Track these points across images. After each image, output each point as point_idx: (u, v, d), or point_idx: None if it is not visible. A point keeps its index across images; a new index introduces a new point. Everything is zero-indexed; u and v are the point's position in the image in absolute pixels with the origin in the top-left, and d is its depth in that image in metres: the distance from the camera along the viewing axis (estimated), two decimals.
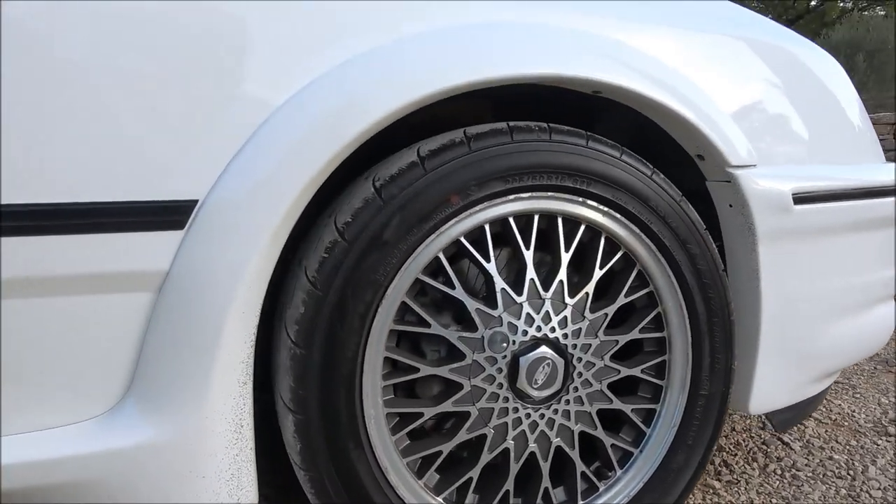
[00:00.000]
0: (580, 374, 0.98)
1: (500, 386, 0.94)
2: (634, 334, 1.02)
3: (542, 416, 0.97)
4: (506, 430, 0.96)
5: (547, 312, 0.95)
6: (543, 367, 0.94)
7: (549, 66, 0.85)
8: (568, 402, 0.99)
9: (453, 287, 0.91)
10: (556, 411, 0.98)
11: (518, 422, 0.96)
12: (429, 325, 0.90)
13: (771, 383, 1.11)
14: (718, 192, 1.05)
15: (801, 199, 1.04)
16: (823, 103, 1.16)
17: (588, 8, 0.94)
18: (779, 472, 1.39)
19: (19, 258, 0.71)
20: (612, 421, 1.05)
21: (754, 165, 1.02)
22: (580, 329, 0.97)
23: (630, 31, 0.95)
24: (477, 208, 0.90)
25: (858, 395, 1.81)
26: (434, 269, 0.91)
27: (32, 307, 0.73)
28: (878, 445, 1.50)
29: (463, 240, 0.90)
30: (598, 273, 0.98)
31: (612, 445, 1.04)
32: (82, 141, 0.72)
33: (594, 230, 0.98)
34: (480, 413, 0.93)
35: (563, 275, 0.96)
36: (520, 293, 0.93)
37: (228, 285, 0.77)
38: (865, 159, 1.19)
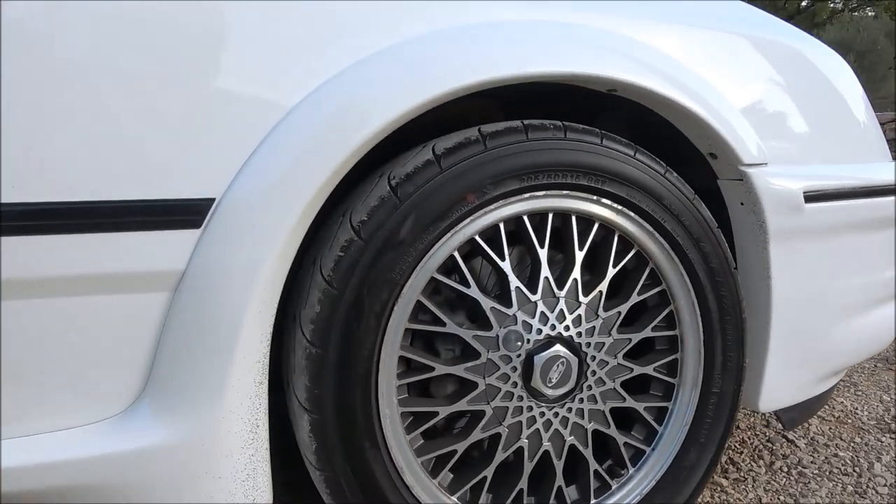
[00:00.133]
0: (594, 373, 0.98)
1: (515, 385, 0.94)
2: (647, 332, 1.02)
3: (556, 414, 0.97)
4: (520, 428, 0.95)
5: (561, 311, 0.95)
6: (558, 366, 0.94)
7: (570, 64, 0.85)
8: (582, 400, 0.98)
9: (468, 286, 0.90)
10: (569, 410, 0.98)
11: (532, 420, 0.96)
12: (444, 324, 0.90)
13: (780, 381, 1.11)
14: (730, 191, 1.05)
15: (811, 197, 1.04)
16: (832, 102, 1.16)
17: (605, 7, 0.94)
18: (785, 469, 1.39)
19: (31, 258, 0.70)
20: (623, 419, 1.05)
21: (766, 164, 1.02)
22: (594, 327, 0.97)
23: (645, 30, 0.95)
24: (492, 207, 0.89)
25: (860, 393, 1.82)
26: (448, 268, 0.91)
27: (44, 308, 0.72)
28: (881, 442, 1.51)
29: (478, 238, 0.90)
30: (611, 271, 0.98)
31: (625, 444, 1.04)
32: (97, 140, 0.71)
33: (607, 229, 0.98)
34: (495, 412, 0.93)
35: (577, 273, 0.96)
36: (534, 292, 0.93)
37: (245, 284, 0.77)
38: (873, 158, 1.20)
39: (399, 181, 0.85)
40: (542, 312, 0.94)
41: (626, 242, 0.99)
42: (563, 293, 0.95)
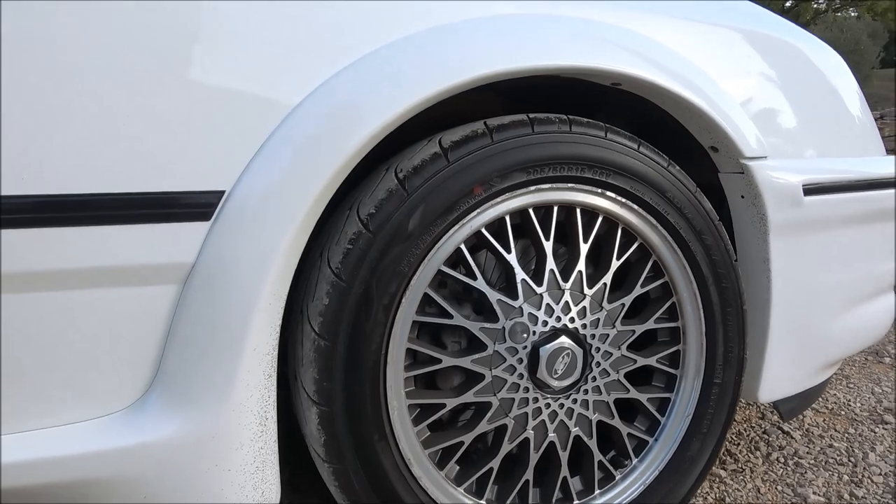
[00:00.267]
0: (598, 364, 0.99)
1: (521, 376, 0.94)
2: (650, 324, 1.03)
3: (562, 405, 0.98)
4: (526, 420, 0.96)
5: (566, 303, 0.96)
6: (563, 357, 0.95)
7: (577, 58, 0.85)
8: (586, 391, 0.99)
9: (474, 278, 0.91)
10: (574, 401, 0.99)
11: (538, 412, 0.97)
12: (451, 317, 0.90)
13: (780, 372, 1.13)
14: (731, 184, 1.06)
15: (810, 190, 1.06)
16: (829, 97, 1.18)
17: (610, 3, 0.95)
18: (782, 460, 1.41)
19: (39, 251, 0.70)
20: (626, 411, 1.06)
21: (766, 157, 1.03)
22: (598, 319, 0.98)
23: (649, 25, 0.96)
24: (498, 199, 0.90)
25: (852, 385, 1.85)
26: (454, 261, 0.91)
27: (53, 301, 0.72)
28: (875, 433, 1.54)
29: (484, 231, 0.91)
30: (615, 263, 0.99)
31: (629, 434, 1.05)
32: (105, 132, 0.71)
33: (611, 221, 0.99)
34: (501, 403, 0.94)
35: (581, 265, 0.96)
36: (540, 284, 0.94)
37: (256, 276, 0.77)
38: (868, 151, 1.22)
39: (407, 174, 0.86)
40: (548, 304, 0.94)
41: (630, 235, 1.00)
42: (568, 285, 0.96)
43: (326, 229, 0.89)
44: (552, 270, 0.95)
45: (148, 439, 0.76)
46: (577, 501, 1.02)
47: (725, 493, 1.28)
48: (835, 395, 1.78)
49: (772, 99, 1.09)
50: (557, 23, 0.88)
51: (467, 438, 0.94)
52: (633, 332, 1.02)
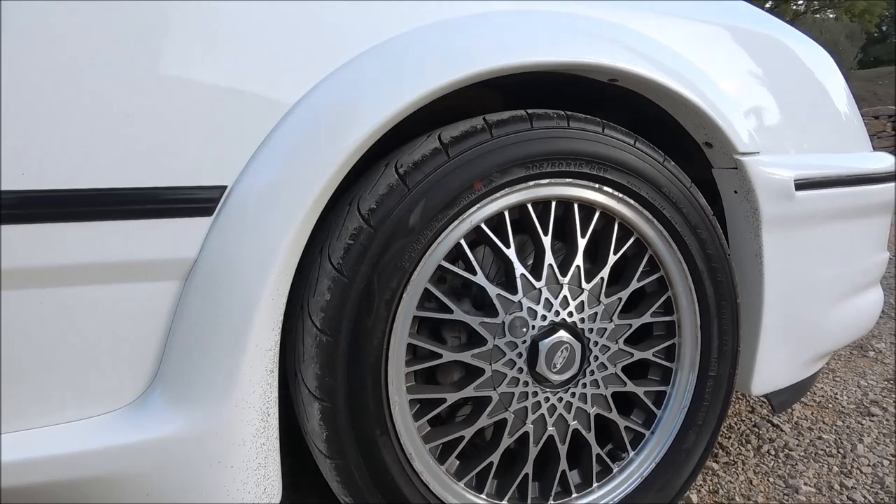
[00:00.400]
0: (596, 358, 1.00)
1: (521, 370, 0.95)
2: (647, 318, 1.04)
3: (561, 399, 0.99)
4: (525, 414, 0.97)
5: (565, 297, 0.96)
6: (562, 351, 0.96)
7: (575, 53, 0.86)
8: (585, 385, 1.00)
9: (474, 274, 0.91)
10: (573, 394, 1.00)
11: (537, 406, 0.97)
12: (451, 311, 0.91)
13: (772, 365, 1.15)
14: (724, 179, 1.08)
15: (801, 185, 1.08)
16: (818, 93, 1.20)
17: (608, 2, 0.96)
18: (773, 452, 1.43)
19: (40, 247, 0.69)
20: (623, 404, 1.07)
21: (759, 153, 1.05)
22: (596, 313, 0.99)
23: (646, 23, 0.97)
24: (498, 195, 0.90)
25: (839, 379, 1.88)
26: (453, 256, 0.92)
27: (54, 297, 0.71)
28: (862, 425, 1.56)
29: (483, 226, 0.91)
30: (612, 258, 1.00)
31: (626, 427, 1.06)
32: (106, 128, 0.70)
33: (608, 217, 1.00)
34: (501, 398, 0.94)
35: (579, 260, 0.97)
36: (538, 279, 0.95)
37: (258, 272, 0.76)
38: (856, 147, 1.24)
39: (407, 169, 0.86)
40: (547, 299, 0.95)
41: (626, 230, 1.01)
42: (566, 280, 0.96)
43: (325, 225, 0.89)
44: (550, 265, 0.95)
45: (150, 436, 0.76)
46: (576, 494, 1.03)
47: (718, 486, 1.29)
48: (822, 388, 1.81)
49: (764, 96, 1.11)
50: (556, 19, 0.89)
51: (468, 433, 0.94)
52: (630, 325, 1.03)
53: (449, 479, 0.94)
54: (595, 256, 1.01)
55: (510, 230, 0.93)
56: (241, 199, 0.76)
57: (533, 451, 0.99)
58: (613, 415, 1.04)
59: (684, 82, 0.96)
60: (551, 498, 1.01)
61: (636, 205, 0.99)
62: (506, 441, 0.96)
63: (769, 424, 1.57)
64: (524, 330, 0.94)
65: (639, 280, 1.03)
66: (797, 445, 1.46)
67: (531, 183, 0.92)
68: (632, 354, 1.04)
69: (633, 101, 1.04)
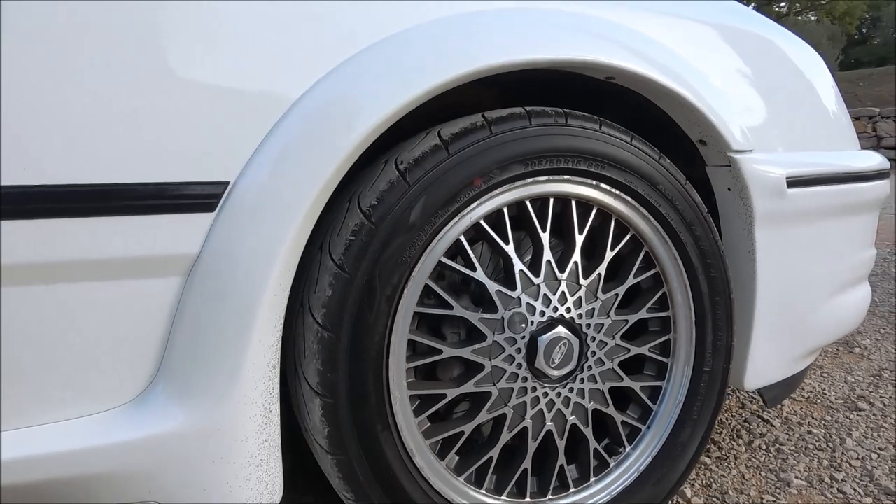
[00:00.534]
0: (594, 353, 1.01)
1: (520, 366, 0.96)
2: (643, 313, 1.05)
3: (559, 394, 1.00)
4: (524, 409, 0.98)
5: (563, 293, 0.97)
6: (560, 347, 0.97)
7: (573, 51, 0.87)
8: (582, 380, 1.01)
9: (474, 270, 0.92)
10: (571, 390, 1.00)
11: (536, 401, 0.98)
12: (451, 307, 0.91)
13: (765, 359, 1.16)
14: (718, 177, 1.09)
15: (793, 182, 1.09)
16: (808, 92, 1.22)
17: (606, 2, 0.97)
18: (764, 447, 1.45)
19: (41, 242, 0.69)
20: (619, 399, 1.08)
21: (752, 150, 1.06)
22: (593, 309, 1.00)
23: (643, 21, 0.99)
24: (497, 191, 0.91)
25: (826, 375, 1.91)
26: (452, 252, 0.92)
27: (56, 293, 0.71)
28: (850, 420, 1.59)
29: (483, 223, 0.92)
30: (609, 254, 1.01)
31: (622, 422, 1.07)
32: (108, 122, 0.70)
33: (605, 213, 1.01)
34: (501, 393, 0.95)
35: (577, 257, 0.98)
36: (537, 275, 0.95)
37: (261, 268, 0.77)
38: (845, 146, 1.26)
39: (408, 166, 0.86)
40: (545, 295, 0.96)
41: (623, 227, 1.02)
42: (564, 276, 0.97)
43: (326, 221, 0.90)
44: (549, 261, 0.96)
45: (152, 433, 0.76)
46: (574, 489, 1.04)
47: (712, 480, 1.31)
48: (810, 384, 1.83)
49: (757, 94, 1.12)
50: (555, 17, 0.90)
51: (468, 428, 0.95)
52: (626, 321, 1.04)
53: (449, 474, 0.95)
54: (592, 253, 1.02)
55: (509, 227, 0.94)
56: (243, 194, 0.76)
57: (532, 446, 0.99)
58: (610, 410, 1.05)
59: (679, 80, 0.97)
60: (549, 492, 1.02)
61: (633, 201, 1.00)
62: (505, 436, 0.97)
63: (760, 420, 1.59)
64: (523, 326, 0.95)
65: (635, 276, 1.04)
66: (788, 440, 1.48)
67: (530, 180, 0.93)
68: (628, 350, 1.05)
69: (631, 100, 1.05)
